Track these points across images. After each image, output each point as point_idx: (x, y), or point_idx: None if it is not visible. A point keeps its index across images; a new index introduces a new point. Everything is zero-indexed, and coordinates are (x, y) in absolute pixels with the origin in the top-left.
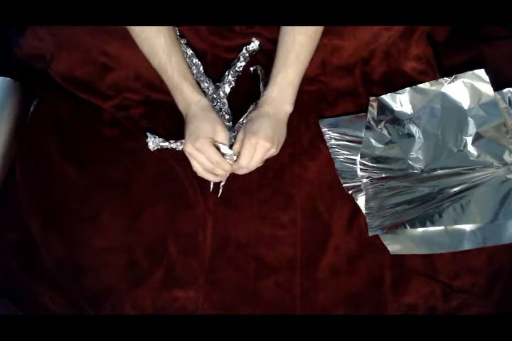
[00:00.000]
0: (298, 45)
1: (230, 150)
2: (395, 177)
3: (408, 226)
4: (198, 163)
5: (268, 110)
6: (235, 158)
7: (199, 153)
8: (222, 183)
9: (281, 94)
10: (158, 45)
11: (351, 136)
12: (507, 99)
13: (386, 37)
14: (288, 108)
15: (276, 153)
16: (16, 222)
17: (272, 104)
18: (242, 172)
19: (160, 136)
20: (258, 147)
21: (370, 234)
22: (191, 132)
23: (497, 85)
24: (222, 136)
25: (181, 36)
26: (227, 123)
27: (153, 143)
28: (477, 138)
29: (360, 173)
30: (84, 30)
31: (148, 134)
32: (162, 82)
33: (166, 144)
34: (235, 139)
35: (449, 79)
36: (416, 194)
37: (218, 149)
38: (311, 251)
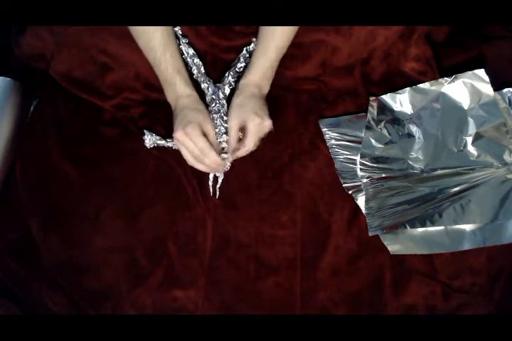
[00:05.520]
0: (279, 32)
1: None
2: (395, 177)
3: (408, 226)
4: (187, 150)
5: (254, 91)
6: (223, 145)
7: (188, 138)
8: (218, 185)
9: (263, 78)
10: (155, 39)
11: (351, 136)
12: (507, 99)
13: (384, 36)
14: (267, 89)
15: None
16: (16, 222)
17: (255, 86)
18: (242, 153)
19: (158, 135)
20: (262, 126)
21: (370, 234)
22: (182, 119)
23: (497, 85)
24: (208, 127)
25: (183, 35)
26: (225, 125)
27: (150, 140)
28: (477, 138)
29: (360, 173)
30: (84, 28)
31: (145, 131)
32: None
33: (162, 142)
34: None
35: (449, 79)
36: (416, 194)
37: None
38: (311, 251)
